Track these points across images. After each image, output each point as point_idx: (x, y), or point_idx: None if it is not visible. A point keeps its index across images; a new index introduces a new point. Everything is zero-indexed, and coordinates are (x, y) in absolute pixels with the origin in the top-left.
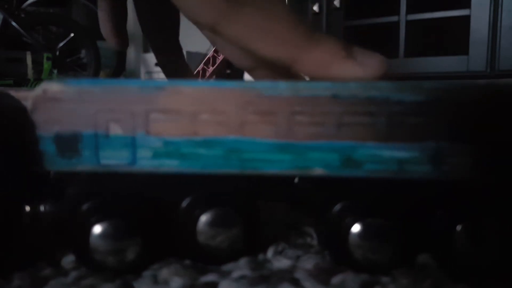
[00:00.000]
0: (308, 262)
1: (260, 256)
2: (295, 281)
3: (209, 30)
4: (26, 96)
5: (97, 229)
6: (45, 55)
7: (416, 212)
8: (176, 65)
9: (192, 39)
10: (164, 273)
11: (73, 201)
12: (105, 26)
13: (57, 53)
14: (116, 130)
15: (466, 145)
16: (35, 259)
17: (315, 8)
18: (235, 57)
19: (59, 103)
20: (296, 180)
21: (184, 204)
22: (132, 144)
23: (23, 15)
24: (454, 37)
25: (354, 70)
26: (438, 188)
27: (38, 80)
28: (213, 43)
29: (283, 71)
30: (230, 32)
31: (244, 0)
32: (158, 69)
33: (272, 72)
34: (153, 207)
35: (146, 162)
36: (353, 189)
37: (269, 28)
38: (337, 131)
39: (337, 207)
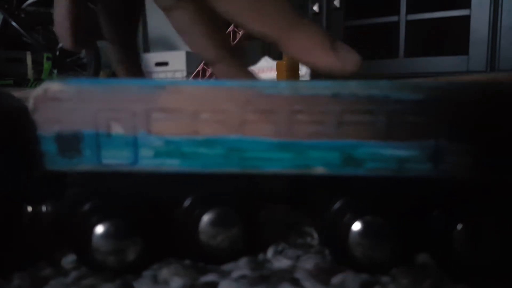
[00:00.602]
0: (308, 262)
1: (260, 256)
2: (295, 281)
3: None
4: (27, 96)
5: (99, 229)
6: (45, 55)
7: (416, 211)
8: (127, 61)
9: None
10: (164, 273)
11: (74, 201)
12: (61, 23)
13: (57, 53)
14: (117, 129)
15: (466, 144)
16: (35, 259)
17: (315, 8)
18: (198, 49)
19: (60, 102)
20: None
21: (185, 204)
22: (133, 143)
23: (23, 15)
24: (454, 37)
25: (332, 62)
26: (438, 187)
27: (38, 80)
28: (178, 31)
29: (245, 68)
30: (220, 4)
31: None
32: (159, 69)
33: (234, 68)
34: (154, 207)
35: (147, 162)
36: (353, 187)
37: (259, 4)
38: (337, 130)
39: (337, 205)
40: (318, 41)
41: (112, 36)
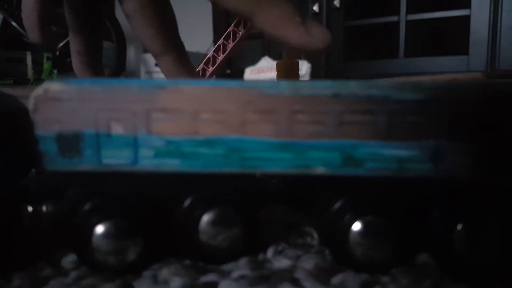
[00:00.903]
0: (308, 262)
1: (260, 256)
2: (295, 281)
3: None
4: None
5: (99, 229)
6: (45, 55)
7: (416, 211)
8: (86, 53)
9: (192, 39)
10: (164, 273)
11: (74, 201)
12: (29, 16)
13: (57, 53)
14: (117, 129)
15: (466, 144)
16: (35, 259)
17: (315, 8)
18: (146, 41)
19: (60, 102)
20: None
21: (185, 204)
22: (134, 143)
23: None
24: (454, 37)
25: (303, 39)
26: (438, 187)
27: (38, 80)
28: (127, 18)
29: (188, 64)
30: None
31: None
32: (158, 69)
33: (177, 62)
34: (154, 207)
35: (148, 162)
36: (353, 187)
37: None
38: (337, 130)
39: (337, 205)
40: (289, 17)
41: (74, 25)
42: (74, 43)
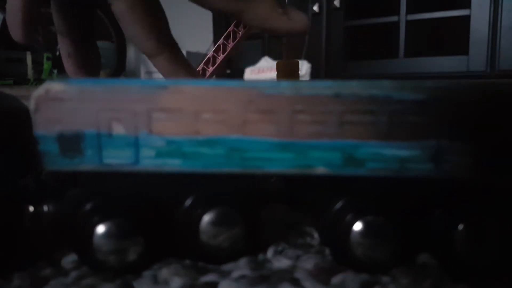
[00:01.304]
0: (308, 262)
1: (260, 256)
2: (295, 281)
3: None
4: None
5: (100, 229)
6: (45, 55)
7: (417, 211)
8: (77, 55)
9: (192, 39)
10: (164, 273)
11: (75, 201)
12: (14, 15)
13: (57, 53)
14: (118, 129)
15: (467, 144)
16: (35, 259)
17: (315, 8)
18: (138, 41)
19: (61, 102)
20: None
21: (186, 203)
22: (135, 143)
23: None
24: (454, 37)
25: (285, 24)
26: (439, 187)
27: (38, 80)
28: (117, 19)
29: (185, 62)
30: None
31: None
32: None
33: (173, 59)
34: (155, 207)
35: (149, 162)
36: (354, 187)
37: None
38: (338, 130)
39: (338, 205)
40: (273, 11)
41: (62, 28)
42: (63, 45)
